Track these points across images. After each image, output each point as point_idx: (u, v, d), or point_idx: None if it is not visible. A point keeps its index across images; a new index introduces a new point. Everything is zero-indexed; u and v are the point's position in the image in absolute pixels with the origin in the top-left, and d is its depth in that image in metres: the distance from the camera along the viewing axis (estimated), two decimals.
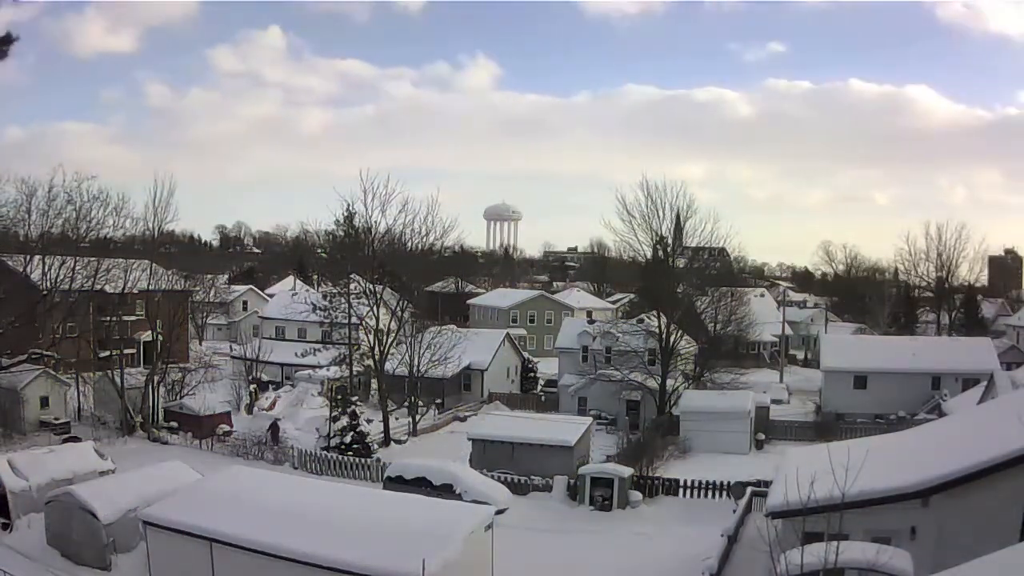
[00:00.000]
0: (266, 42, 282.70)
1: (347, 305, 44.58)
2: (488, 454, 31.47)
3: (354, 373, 46.83)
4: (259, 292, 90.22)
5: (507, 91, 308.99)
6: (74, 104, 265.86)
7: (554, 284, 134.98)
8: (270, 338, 60.65)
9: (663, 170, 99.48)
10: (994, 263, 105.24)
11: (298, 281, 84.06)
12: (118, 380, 38.71)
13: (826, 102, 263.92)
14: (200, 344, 70.06)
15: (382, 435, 39.50)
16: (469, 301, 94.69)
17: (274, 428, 37.77)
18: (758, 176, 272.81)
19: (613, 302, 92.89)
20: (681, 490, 29.20)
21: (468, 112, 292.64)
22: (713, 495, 28.81)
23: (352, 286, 45.26)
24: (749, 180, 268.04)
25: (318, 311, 45.56)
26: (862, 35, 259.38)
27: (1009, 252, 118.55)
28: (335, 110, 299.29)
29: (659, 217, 46.63)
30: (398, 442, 40.05)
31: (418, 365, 44.71)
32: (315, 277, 75.60)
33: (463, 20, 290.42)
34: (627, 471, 28.13)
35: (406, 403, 43.65)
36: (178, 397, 41.90)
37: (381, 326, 43.65)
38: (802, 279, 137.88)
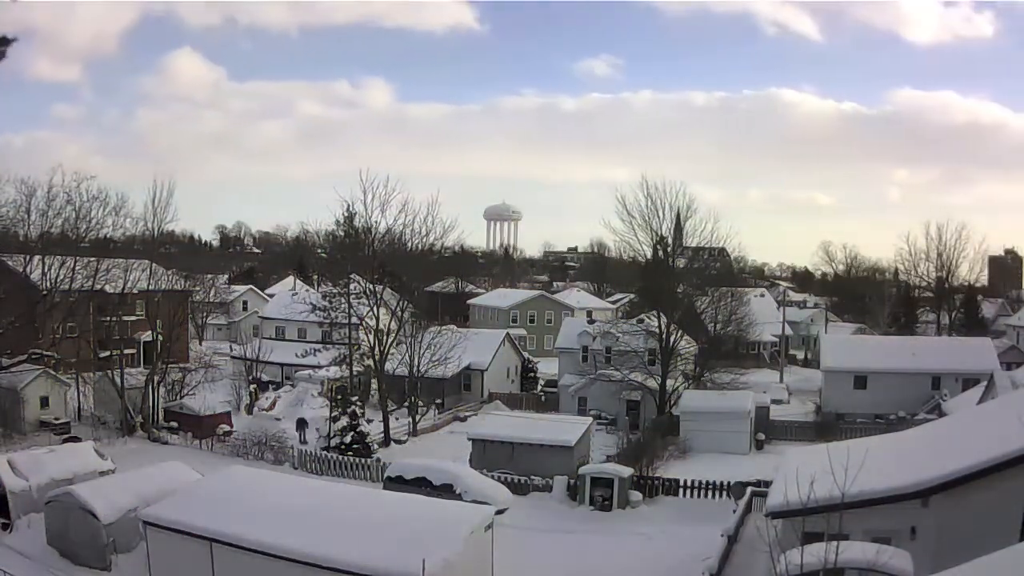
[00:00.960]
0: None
1: (347, 305, 44.59)
2: (488, 454, 31.48)
3: (354, 373, 46.83)
4: (259, 292, 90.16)
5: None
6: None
7: (554, 284, 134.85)
8: (270, 338, 60.65)
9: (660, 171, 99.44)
10: (994, 263, 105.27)
11: (298, 281, 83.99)
12: (118, 380, 38.71)
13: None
14: (200, 344, 70.04)
15: (382, 435, 39.50)
16: (469, 301, 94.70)
17: (301, 423, 37.77)
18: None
19: (613, 302, 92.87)
20: (681, 490, 29.20)
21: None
22: (713, 495, 28.80)
23: (352, 286, 45.27)
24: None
25: (318, 311, 45.58)
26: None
27: (1009, 252, 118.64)
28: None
29: (659, 217, 46.73)
30: (398, 442, 40.05)
31: (418, 365, 44.71)
32: (315, 277, 75.59)
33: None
34: (627, 471, 28.14)
35: (406, 403, 43.66)
36: (178, 397, 41.91)
37: (381, 326, 43.67)
38: (802, 279, 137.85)
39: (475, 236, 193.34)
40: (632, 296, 76.79)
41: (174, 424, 38.53)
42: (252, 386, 47.73)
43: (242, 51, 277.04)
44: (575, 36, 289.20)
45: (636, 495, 27.88)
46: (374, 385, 46.07)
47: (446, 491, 24.84)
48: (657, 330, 45.98)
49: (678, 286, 49.46)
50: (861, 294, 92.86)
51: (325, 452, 34.21)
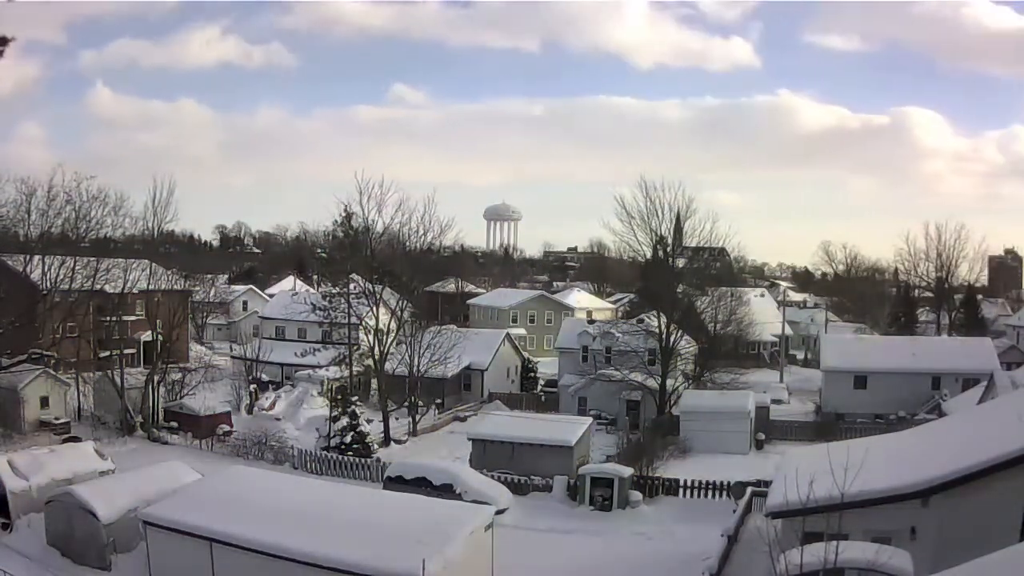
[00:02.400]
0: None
1: (347, 305, 44.58)
2: (488, 454, 31.47)
3: (354, 373, 46.84)
4: (259, 292, 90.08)
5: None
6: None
7: (554, 284, 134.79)
8: (270, 338, 60.59)
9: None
10: (994, 263, 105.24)
11: (298, 281, 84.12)
12: (118, 380, 38.69)
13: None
14: (200, 344, 70.02)
15: (382, 435, 39.49)
16: (469, 301, 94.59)
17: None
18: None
19: (613, 302, 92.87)
20: (681, 490, 29.19)
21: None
22: (713, 495, 28.79)
23: (352, 286, 45.27)
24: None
25: (318, 311, 45.61)
26: None
27: (1009, 252, 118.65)
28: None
29: (659, 217, 46.69)
30: (398, 442, 40.05)
31: (418, 365, 44.70)
32: (315, 277, 75.65)
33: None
34: (627, 471, 28.13)
35: (406, 403, 43.65)
36: (178, 397, 41.90)
37: (381, 326, 43.66)
38: (802, 279, 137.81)
39: (475, 236, 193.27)
40: (632, 296, 76.77)
41: (174, 424, 38.50)
42: (252, 386, 47.69)
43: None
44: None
45: (636, 495, 27.86)
46: (374, 385, 46.08)
47: (446, 491, 24.85)
48: (657, 330, 45.97)
49: (678, 286, 49.45)
50: (861, 294, 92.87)
51: (325, 452, 34.20)
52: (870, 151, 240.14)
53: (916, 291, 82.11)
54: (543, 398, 52.59)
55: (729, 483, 28.34)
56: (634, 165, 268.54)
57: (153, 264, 44.87)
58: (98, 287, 42.10)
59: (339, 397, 37.24)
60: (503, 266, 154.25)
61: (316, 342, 49.43)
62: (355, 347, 46.67)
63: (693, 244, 50.74)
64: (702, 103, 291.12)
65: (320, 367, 48.09)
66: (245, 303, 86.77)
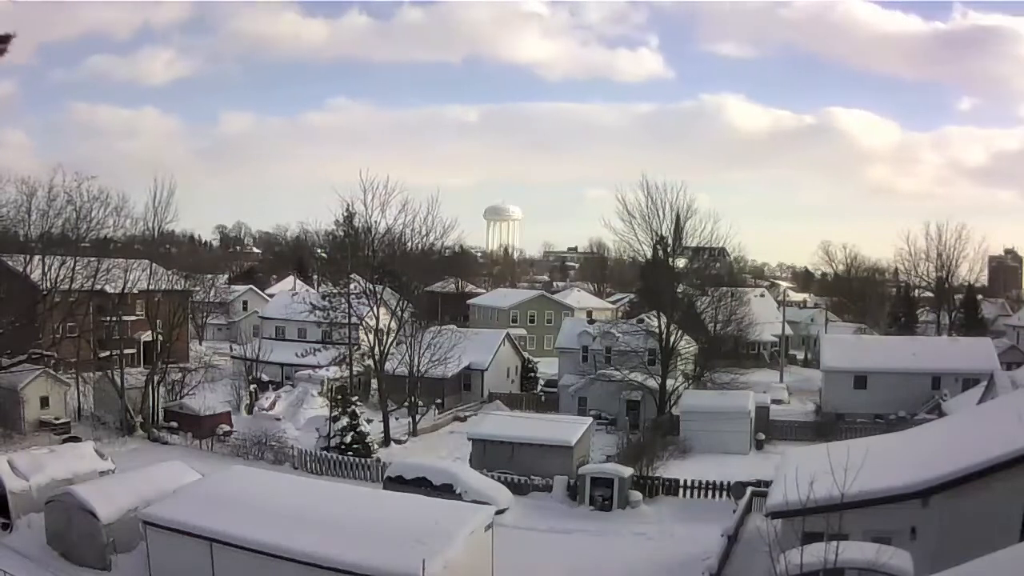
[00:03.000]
0: None
1: (347, 305, 44.55)
2: (488, 454, 31.47)
3: (354, 373, 46.81)
4: (259, 292, 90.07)
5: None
6: None
7: (554, 284, 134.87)
8: (270, 338, 60.55)
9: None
10: (994, 263, 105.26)
11: (298, 281, 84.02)
12: (118, 380, 38.69)
13: None
14: (200, 344, 70.02)
15: (382, 435, 39.48)
16: (469, 301, 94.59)
17: None
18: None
19: (613, 302, 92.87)
20: (681, 490, 29.20)
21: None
22: (713, 495, 28.80)
23: (352, 286, 45.24)
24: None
25: (318, 311, 45.58)
26: None
27: (1009, 252, 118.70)
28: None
29: (659, 217, 46.69)
30: (398, 442, 40.04)
31: (418, 365, 44.67)
32: (315, 277, 75.63)
33: None
34: (627, 471, 28.13)
35: (406, 403, 43.64)
36: (178, 397, 41.89)
37: (381, 326, 43.64)
38: (802, 279, 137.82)
39: (475, 236, 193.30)
40: (632, 296, 76.79)
41: (174, 424, 38.49)
42: (252, 386, 47.68)
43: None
44: None
45: (636, 495, 27.87)
46: (374, 385, 46.06)
47: (446, 491, 24.86)
48: (657, 330, 45.97)
49: (678, 286, 49.44)
50: (861, 294, 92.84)
51: (325, 452, 34.20)
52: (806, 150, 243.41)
53: (916, 291, 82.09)
54: (543, 398, 52.61)
55: (729, 483, 28.34)
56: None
57: (153, 264, 44.84)
58: (98, 287, 42.16)
59: (339, 397, 37.22)
60: (503, 266, 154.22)
61: (316, 342, 49.41)
62: (355, 347, 46.65)
63: (693, 244, 50.74)
64: (635, 109, 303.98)
65: (320, 367, 48.07)
66: (245, 303, 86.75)
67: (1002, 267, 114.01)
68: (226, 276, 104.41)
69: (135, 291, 44.01)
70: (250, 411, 44.27)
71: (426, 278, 70.32)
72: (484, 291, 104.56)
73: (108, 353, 42.09)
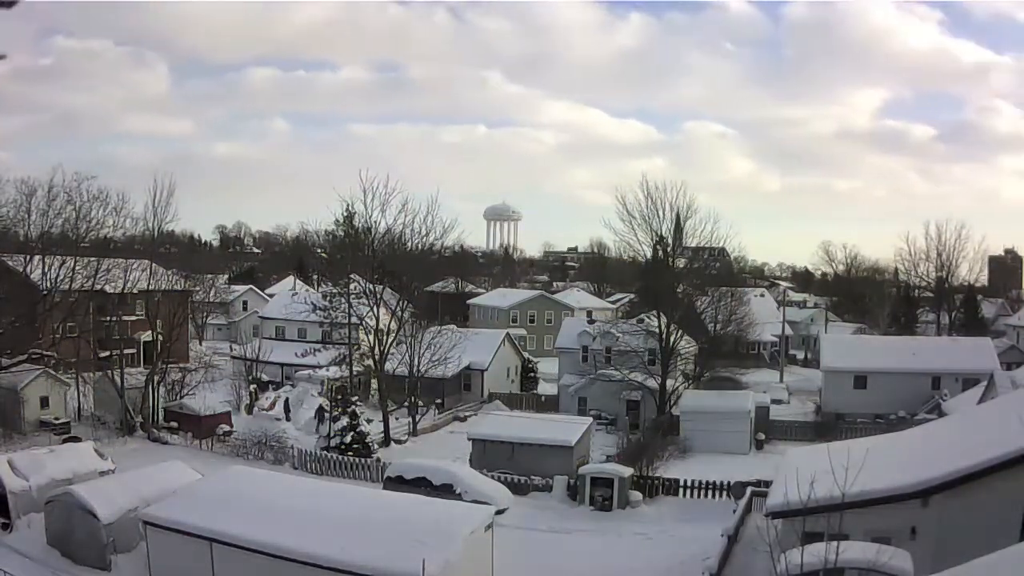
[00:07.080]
0: None
1: (347, 305, 44.54)
2: (488, 454, 31.47)
3: (354, 373, 46.79)
4: (259, 292, 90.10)
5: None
6: None
7: (554, 284, 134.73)
8: (270, 338, 60.59)
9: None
10: (994, 263, 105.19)
11: (298, 281, 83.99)
12: (118, 380, 38.66)
13: None
14: (200, 344, 70.00)
15: (382, 435, 39.49)
16: (469, 301, 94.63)
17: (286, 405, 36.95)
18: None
19: (613, 302, 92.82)
20: (681, 490, 29.20)
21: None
22: (713, 495, 28.81)
23: (352, 286, 45.22)
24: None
25: (318, 311, 45.55)
26: None
27: (1009, 252, 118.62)
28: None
29: (659, 217, 46.72)
30: (398, 442, 40.05)
31: (418, 365, 44.68)
32: (315, 277, 75.57)
33: None
34: (627, 471, 28.13)
35: (406, 403, 43.64)
36: (178, 397, 41.87)
37: (381, 326, 43.63)
38: (802, 279, 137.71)
39: (475, 236, 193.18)
40: (632, 296, 76.80)
41: (174, 424, 38.46)
42: (252, 386, 47.67)
43: None
44: None
45: (636, 495, 27.87)
46: (374, 385, 46.05)
47: (446, 491, 24.85)
48: (657, 330, 45.97)
49: (678, 286, 49.45)
50: (861, 294, 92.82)
51: (325, 452, 34.20)
52: None
53: (916, 291, 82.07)
54: (543, 398, 52.62)
55: (729, 483, 28.34)
56: None
57: (153, 264, 44.82)
58: (98, 287, 42.10)
59: (339, 397, 37.23)
60: (503, 266, 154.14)
61: (316, 342, 49.42)
62: (355, 347, 46.64)
63: (693, 244, 50.77)
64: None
65: (320, 367, 48.07)
66: (245, 303, 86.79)
67: (1002, 267, 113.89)
68: (226, 276, 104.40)
69: (135, 291, 43.97)
70: (250, 411, 44.27)
71: (426, 278, 70.38)
72: (484, 291, 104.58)
73: (108, 353, 42.05)
